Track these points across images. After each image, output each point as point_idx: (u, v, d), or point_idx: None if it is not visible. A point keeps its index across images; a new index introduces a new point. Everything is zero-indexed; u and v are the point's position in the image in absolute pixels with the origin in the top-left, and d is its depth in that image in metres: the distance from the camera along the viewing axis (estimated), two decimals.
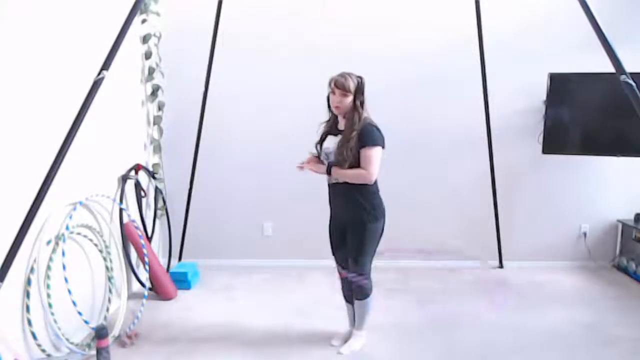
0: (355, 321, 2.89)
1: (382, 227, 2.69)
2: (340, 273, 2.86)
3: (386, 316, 3.23)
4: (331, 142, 2.67)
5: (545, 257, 4.23)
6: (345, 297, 2.93)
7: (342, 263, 2.81)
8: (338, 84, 2.53)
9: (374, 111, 2.65)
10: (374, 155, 2.54)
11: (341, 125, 2.66)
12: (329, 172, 2.63)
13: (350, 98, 2.55)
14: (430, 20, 3.93)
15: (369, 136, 2.55)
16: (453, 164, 4.14)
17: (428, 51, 3.95)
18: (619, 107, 2.86)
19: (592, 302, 3.54)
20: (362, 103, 2.57)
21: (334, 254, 2.85)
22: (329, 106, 2.68)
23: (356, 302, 2.83)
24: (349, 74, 2.56)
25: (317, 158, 2.75)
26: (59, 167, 2.15)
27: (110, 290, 3.23)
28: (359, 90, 2.56)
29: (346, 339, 2.90)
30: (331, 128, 2.72)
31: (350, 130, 2.55)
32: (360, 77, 2.58)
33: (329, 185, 2.73)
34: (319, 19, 3.93)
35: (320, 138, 2.75)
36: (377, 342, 2.91)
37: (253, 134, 4.11)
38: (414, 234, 4.15)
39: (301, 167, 2.72)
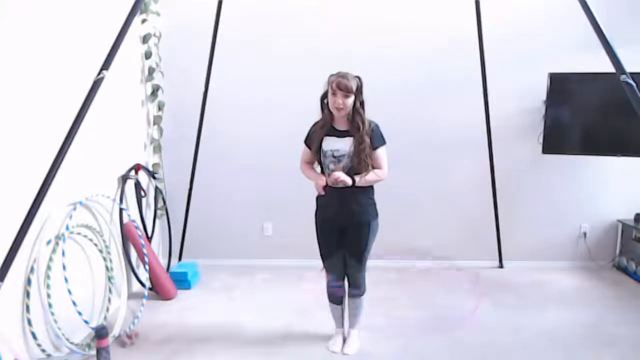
0: (351, 320, 2.88)
1: None
2: (331, 278, 2.78)
3: (386, 316, 3.24)
4: (333, 144, 2.58)
5: (545, 257, 4.23)
6: (334, 300, 2.86)
7: (338, 266, 2.74)
8: (341, 86, 2.46)
9: (374, 112, 2.65)
10: (385, 154, 2.63)
11: (339, 125, 2.60)
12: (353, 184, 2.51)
13: (352, 98, 2.51)
14: (430, 20, 3.92)
15: (380, 136, 2.62)
16: (453, 164, 4.14)
17: (428, 51, 3.95)
18: (619, 107, 2.85)
19: (592, 302, 3.54)
20: (362, 103, 2.56)
21: (328, 258, 2.76)
22: (322, 107, 2.62)
23: (352, 301, 2.82)
24: (349, 74, 2.52)
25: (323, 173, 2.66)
26: (59, 167, 2.14)
27: (110, 290, 3.23)
28: (359, 90, 2.54)
29: (343, 340, 2.88)
30: (329, 130, 2.61)
31: (360, 133, 2.52)
32: (358, 77, 2.55)
33: (330, 187, 2.58)
34: (320, 20, 3.93)
35: (319, 142, 2.61)
36: (377, 342, 2.91)
37: (253, 133, 4.10)
38: (414, 234, 4.16)
39: (334, 184, 2.52)
